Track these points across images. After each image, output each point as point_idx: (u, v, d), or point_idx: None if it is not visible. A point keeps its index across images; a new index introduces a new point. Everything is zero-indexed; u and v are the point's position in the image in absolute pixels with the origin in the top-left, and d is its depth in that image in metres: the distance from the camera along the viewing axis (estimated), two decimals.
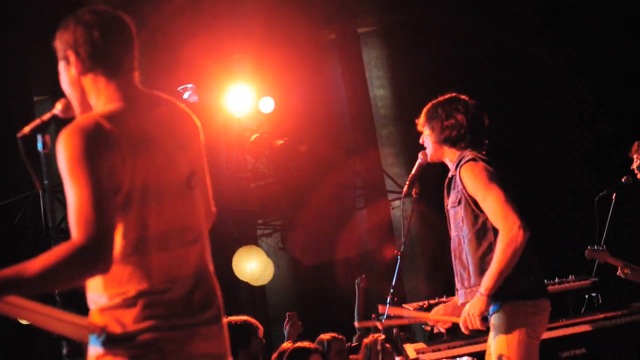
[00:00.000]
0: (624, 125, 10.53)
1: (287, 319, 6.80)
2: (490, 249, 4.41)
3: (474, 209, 4.47)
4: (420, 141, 4.80)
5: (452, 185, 4.62)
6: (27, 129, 3.01)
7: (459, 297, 4.62)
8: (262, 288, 12.65)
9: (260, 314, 11.92)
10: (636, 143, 6.89)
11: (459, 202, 4.54)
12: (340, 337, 7.24)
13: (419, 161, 4.94)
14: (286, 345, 6.34)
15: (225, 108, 10.79)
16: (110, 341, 2.70)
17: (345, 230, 12.55)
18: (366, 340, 6.92)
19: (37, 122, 3.03)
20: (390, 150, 13.40)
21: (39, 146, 2.97)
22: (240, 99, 10.75)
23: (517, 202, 4.37)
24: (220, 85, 11.00)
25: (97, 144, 2.69)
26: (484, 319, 4.35)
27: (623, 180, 7.35)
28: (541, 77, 11.51)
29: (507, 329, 4.36)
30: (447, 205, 4.70)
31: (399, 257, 4.99)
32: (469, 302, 4.39)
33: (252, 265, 10.96)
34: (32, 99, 13.02)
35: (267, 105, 10.84)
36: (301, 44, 12.61)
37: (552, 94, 11.54)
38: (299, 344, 6.42)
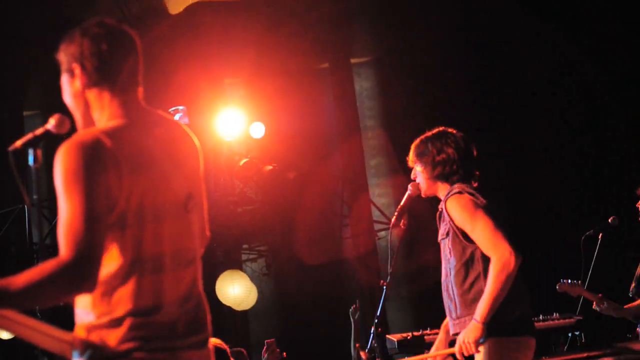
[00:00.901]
0: (613, 161, 10.60)
1: (265, 347, 6.75)
2: (478, 279, 4.43)
3: (461, 239, 4.49)
4: (412, 176, 4.81)
5: (442, 219, 4.64)
6: (18, 143, 2.97)
7: (450, 328, 4.62)
8: (244, 313, 12.58)
9: (241, 339, 11.86)
10: None
11: (447, 234, 4.56)
12: None
13: (408, 192, 4.94)
14: None
15: (216, 132, 10.78)
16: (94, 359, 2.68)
17: (331, 258, 12.53)
18: None
19: (29, 136, 2.99)
20: (378, 181, 13.42)
21: (30, 161, 2.94)
22: (231, 124, 10.75)
23: (506, 229, 4.38)
24: (211, 109, 11.00)
25: (95, 162, 2.65)
26: (479, 346, 4.35)
27: (610, 220, 7.38)
28: (536, 112, 11.57)
29: None
30: (438, 238, 4.72)
31: (384, 287, 4.99)
32: (462, 331, 4.39)
33: (236, 290, 10.91)
34: (22, 114, 13.01)
35: (258, 130, 10.84)
36: (293, 71, 12.65)
37: (544, 126, 11.60)
38: None
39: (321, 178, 12.44)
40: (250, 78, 12.33)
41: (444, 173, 4.65)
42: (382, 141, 13.51)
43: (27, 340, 2.71)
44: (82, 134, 2.79)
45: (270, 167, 10.91)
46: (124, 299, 2.71)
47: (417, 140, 4.77)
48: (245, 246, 12.68)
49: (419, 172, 4.75)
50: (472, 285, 4.46)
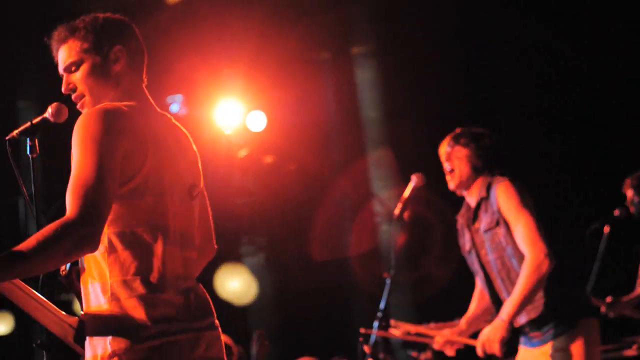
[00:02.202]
0: (615, 154, 10.54)
1: (254, 338, 6.73)
2: None
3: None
4: (448, 169, 4.74)
5: (484, 208, 4.57)
6: (15, 132, 3.02)
7: (520, 319, 4.54)
8: (243, 307, 12.55)
9: (240, 334, 11.80)
10: (628, 180, 6.91)
11: (497, 223, 4.50)
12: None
13: (412, 184, 4.90)
14: None
15: (214, 123, 10.71)
16: (117, 342, 2.66)
17: (331, 251, 12.48)
18: None
19: (27, 124, 3.03)
20: (380, 173, 13.35)
21: (27, 150, 2.96)
22: (230, 115, 10.68)
23: (546, 230, 4.34)
24: (209, 100, 10.93)
25: (117, 126, 2.71)
26: (503, 345, 4.29)
27: (615, 213, 7.32)
28: (535, 105, 11.52)
29: (586, 347, 4.28)
30: (475, 233, 4.63)
31: (387, 280, 4.95)
32: (487, 326, 4.33)
33: (235, 284, 10.86)
34: (17, 105, 12.94)
35: (257, 121, 10.76)
36: (293, 61, 12.56)
37: (544, 122, 11.55)
38: None
39: (321, 169, 12.39)
40: (250, 68, 12.24)
41: (482, 165, 4.61)
42: (384, 133, 13.44)
43: (31, 316, 2.71)
44: (102, 105, 2.86)
45: (269, 159, 10.85)
46: (139, 268, 2.71)
47: (450, 136, 4.73)
48: (244, 239, 12.63)
49: (455, 165, 4.69)
50: None
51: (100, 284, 2.70)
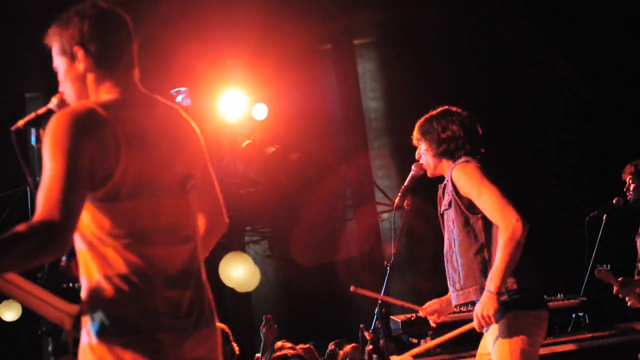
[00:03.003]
0: (616, 142, 10.56)
1: (264, 322, 6.80)
2: (482, 250, 4.40)
3: (463, 210, 4.47)
4: (417, 156, 4.78)
5: (446, 190, 4.63)
6: (21, 123, 2.99)
7: (452, 299, 4.61)
8: (247, 295, 12.61)
9: (245, 321, 11.90)
10: (628, 166, 6.89)
11: (449, 205, 4.54)
12: (308, 346, 7.24)
13: (412, 173, 4.92)
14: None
15: (218, 113, 10.76)
16: (103, 331, 2.68)
17: (333, 239, 12.53)
18: (342, 352, 6.91)
19: (32, 115, 3.00)
20: (381, 162, 13.39)
21: (32, 140, 2.93)
22: (233, 105, 10.72)
23: (513, 197, 4.34)
24: (213, 91, 10.97)
25: (85, 129, 2.66)
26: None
27: (614, 201, 7.35)
28: (536, 91, 11.54)
29: (510, 339, 4.34)
30: (439, 210, 4.70)
31: (388, 268, 4.97)
32: (477, 304, 4.36)
33: (239, 272, 10.92)
34: (24, 96, 12.99)
35: (260, 112, 10.81)
36: (296, 52, 12.59)
37: (547, 109, 11.57)
38: (279, 352, 6.44)
39: (324, 159, 12.43)
40: (253, 59, 12.27)
41: (449, 149, 4.63)
42: (385, 122, 13.48)
43: (28, 307, 2.72)
44: (76, 104, 2.80)
45: (273, 149, 10.89)
46: (121, 267, 2.71)
47: (422, 119, 4.76)
48: (248, 228, 12.68)
49: (423, 150, 4.74)
50: (475, 255, 4.43)
51: (87, 279, 2.74)
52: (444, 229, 4.70)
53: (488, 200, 4.34)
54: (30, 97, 13.08)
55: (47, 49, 3.00)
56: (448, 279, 4.64)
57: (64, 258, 2.82)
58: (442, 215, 4.67)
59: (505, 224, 4.26)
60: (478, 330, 4.45)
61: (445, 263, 4.65)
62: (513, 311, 4.35)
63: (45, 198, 2.57)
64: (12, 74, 12.03)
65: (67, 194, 2.57)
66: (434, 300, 4.91)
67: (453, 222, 4.53)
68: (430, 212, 5.13)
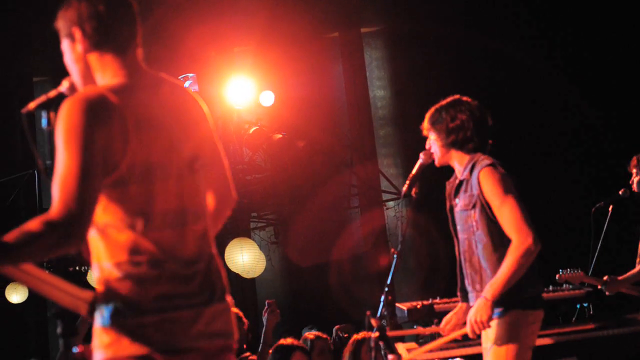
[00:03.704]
0: (623, 135, 10.55)
1: (266, 307, 6.82)
2: (506, 254, 4.42)
3: (489, 213, 4.47)
4: (427, 146, 4.78)
5: (464, 188, 4.60)
6: (32, 105, 2.97)
7: (470, 300, 4.62)
8: (252, 281, 12.64)
9: (250, 307, 11.92)
10: (635, 158, 6.88)
11: (474, 206, 4.53)
12: (325, 336, 7.24)
13: (420, 161, 4.90)
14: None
15: (225, 100, 10.77)
16: (116, 315, 2.69)
17: (339, 227, 12.54)
18: (355, 337, 6.91)
19: (42, 98, 2.99)
20: (387, 151, 13.40)
21: (43, 123, 2.93)
22: (241, 92, 10.73)
23: (530, 214, 4.39)
24: (220, 77, 10.98)
25: (98, 117, 2.65)
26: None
27: (620, 192, 7.34)
28: (539, 82, 11.53)
29: (509, 336, 4.38)
30: (454, 207, 4.68)
31: (395, 255, 4.97)
32: (472, 308, 4.39)
33: (245, 258, 10.93)
34: (32, 80, 13.01)
35: (267, 98, 10.82)
36: (303, 39, 12.59)
37: (551, 99, 11.56)
38: (282, 341, 6.45)
39: (330, 147, 12.44)
40: (260, 46, 12.28)
41: (457, 140, 4.62)
42: (391, 111, 13.48)
43: (44, 295, 2.73)
44: (87, 90, 2.79)
45: (279, 136, 10.90)
46: (132, 252, 2.72)
47: (432, 109, 4.74)
48: (254, 214, 12.69)
49: (433, 140, 4.73)
50: (499, 259, 4.44)
51: (98, 264, 2.76)
52: (454, 225, 4.69)
53: (508, 214, 4.38)
54: (38, 81, 13.11)
55: (57, 33, 3.00)
56: (466, 278, 4.65)
57: None
58: (459, 212, 4.65)
59: (521, 240, 4.31)
60: (471, 336, 4.48)
61: (463, 262, 4.65)
62: (513, 310, 4.39)
63: (61, 191, 2.58)
64: (20, 59, 12.05)
65: (83, 187, 2.58)
66: (450, 317, 4.90)
67: (477, 224, 4.54)
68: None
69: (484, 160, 4.52)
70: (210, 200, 3.04)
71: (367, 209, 12.76)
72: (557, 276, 6.82)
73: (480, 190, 4.48)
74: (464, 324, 4.89)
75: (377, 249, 12.24)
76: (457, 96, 4.77)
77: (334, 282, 11.98)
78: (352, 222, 12.99)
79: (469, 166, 4.56)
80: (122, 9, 2.92)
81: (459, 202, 4.62)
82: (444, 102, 4.74)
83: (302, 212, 12.25)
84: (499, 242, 4.47)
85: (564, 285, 6.94)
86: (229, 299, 2.94)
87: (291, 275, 13.16)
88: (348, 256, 12.39)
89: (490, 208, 4.46)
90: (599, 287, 6.73)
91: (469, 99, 4.76)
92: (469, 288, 4.63)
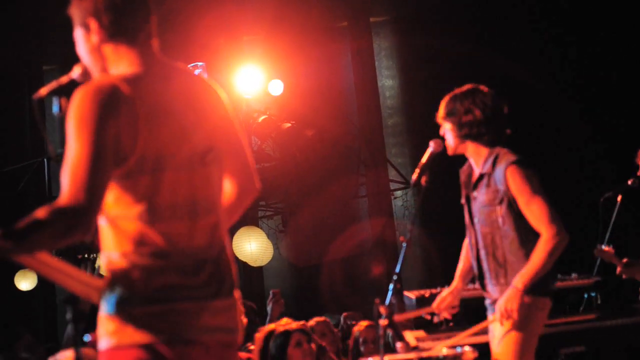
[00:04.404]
0: (633, 126, 10.53)
1: (270, 296, 6.84)
2: (533, 248, 4.45)
3: (517, 209, 4.50)
4: (441, 133, 4.77)
5: (486, 182, 4.61)
6: (43, 91, 2.95)
7: (492, 293, 4.64)
8: (259, 269, 12.66)
9: (257, 295, 11.94)
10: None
11: (500, 202, 4.55)
12: (324, 318, 7.27)
13: (430, 150, 4.89)
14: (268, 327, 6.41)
15: (234, 88, 10.77)
16: (121, 303, 2.70)
17: (346, 216, 12.55)
18: (356, 328, 6.93)
19: (53, 84, 2.98)
20: (395, 140, 13.41)
21: (54, 109, 2.92)
22: (250, 80, 10.72)
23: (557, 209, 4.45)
24: (229, 66, 10.97)
25: (110, 107, 2.65)
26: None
27: (629, 182, 7.34)
28: (550, 72, 11.51)
29: (520, 322, 4.42)
30: (472, 199, 4.69)
31: (404, 244, 4.97)
32: (502, 297, 4.44)
33: (252, 246, 10.95)
34: (42, 68, 13.04)
35: (276, 87, 10.82)
36: (312, 29, 12.59)
37: (563, 86, 11.55)
38: (282, 324, 6.48)
39: (338, 136, 12.44)
40: (270, 35, 12.28)
41: (471, 134, 4.63)
42: (400, 101, 13.47)
43: (55, 282, 2.74)
44: (100, 79, 2.78)
45: (288, 125, 10.90)
46: (145, 244, 2.72)
47: (447, 97, 4.73)
48: (262, 203, 12.71)
49: (447, 129, 4.72)
50: (526, 254, 4.49)
51: (106, 254, 2.76)
52: (471, 216, 4.71)
53: (538, 210, 4.43)
54: (47, 69, 13.13)
55: (67, 21, 2.99)
56: (486, 271, 4.67)
57: None
58: (481, 207, 4.66)
59: (554, 233, 4.38)
60: (501, 324, 4.52)
61: (485, 255, 4.67)
62: (527, 295, 4.42)
63: (71, 180, 2.57)
64: (30, 47, 12.07)
65: (93, 176, 2.58)
66: (445, 296, 4.93)
67: (503, 219, 4.56)
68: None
69: (508, 155, 4.53)
70: (232, 188, 3.04)
71: (375, 198, 12.77)
72: (594, 250, 6.80)
73: (506, 187, 4.50)
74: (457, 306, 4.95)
75: (384, 238, 12.25)
76: (473, 85, 4.75)
77: (340, 270, 12.00)
78: (360, 211, 13.00)
79: (490, 160, 4.56)
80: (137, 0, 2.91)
81: (480, 197, 4.63)
82: (459, 92, 4.72)
83: (310, 201, 12.26)
84: (525, 237, 4.53)
85: (572, 275, 6.94)
86: (237, 294, 2.92)
87: (298, 264, 13.18)
88: (355, 245, 12.40)
89: (516, 204, 4.49)
90: (619, 269, 6.72)
91: (485, 88, 4.74)
92: (492, 282, 4.65)
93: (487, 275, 4.68)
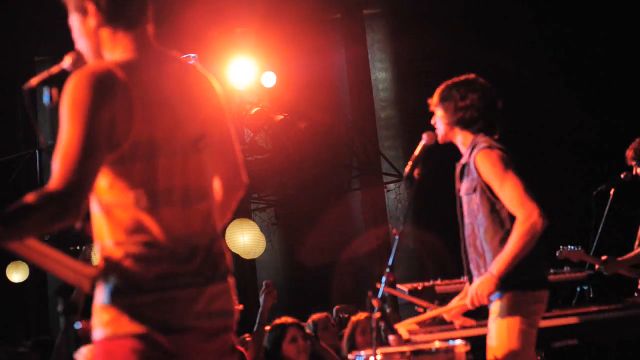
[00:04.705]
0: (624, 119, 10.54)
1: (263, 287, 6.84)
2: (507, 236, 4.39)
3: (489, 196, 4.44)
4: (432, 122, 4.75)
5: (466, 172, 4.58)
6: (34, 81, 2.93)
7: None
8: (252, 262, 12.65)
9: (249, 288, 11.95)
10: (628, 152, 6.88)
11: (474, 190, 4.50)
12: (325, 314, 7.27)
13: (423, 142, 4.86)
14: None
15: (227, 80, 10.74)
16: (116, 293, 2.68)
17: (339, 209, 12.55)
18: (354, 318, 6.93)
19: (44, 74, 2.95)
20: (388, 133, 13.40)
21: (45, 99, 2.90)
22: (242, 72, 10.70)
23: (534, 191, 4.35)
24: (222, 58, 10.94)
25: (105, 92, 2.63)
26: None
27: (622, 176, 7.34)
28: (541, 65, 11.52)
29: (509, 318, 4.36)
30: (459, 191, 4.66)
31: (397, 237, 4.95)
32: (476, 280, 4.39)
33: (245, 239, 10.95)
34: (33, 59, 13.00)
35: (269, 79, 10.80)
36: (305, 21, 12.57)
37: (555, 81, 11.55)
38: (277, 320, 6.49)
39: (331, 129, 12.43)
40: (262, 27, 12.25)
41: (464, 119, 4.59)
42: (393, 94, 13.46)
43: (47, 270, 2.72)
44: (95, 64, 2.76)
45: (281, 117, 10.88)
46: (140, 231, 2.71)
47: (443, 85, 4.70)
48: (254, 195, 12.70)
49: (439, 117, 4.69)
50: (501, 242, 4.42)
51: (100, 243, 2.75)
52: (461, 209, 4.67)
53: (510, 191, 4.33)
54: (39, 60, 13.10)
55: (59, 12, 2.96)
56: (470, 262, 4.63)
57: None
58: (464, 196, 4.63)
59: (526, 215, 4.27)
60: (470, 308, 4.47)
61: (467, 246, 4.63)
62: (514, 291, 4.37)
63: (61, 165, 2.55)
64: (21, 38, 12.03)
65: (83, 162, 2.56)
66: (455, 302, 4.89)
67: (478, 207, 4.51)
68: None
69: (481, 143, 4.49)
70: (218, 184, 3.02)
71: (368, 191, 12.77)
72: (557, 252, 6.84)
73: (477, 174, 4.45)
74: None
75: (377, 231, 12.24)
76: (471, 75, 4.73)
77: (333, 263, 11.99)
78: (353, 204, 13.00)
79: (470, 149, 4.54)
80: None
81: (463, 186, 4.61)
82: (456, 80, 4.70)
83: (302, 193, 12.25)
84: (499, 225, 4.45)
85: (565, 268, 6.94)
86: (231, 279, 2.92)
87: (291, 256, 13.18)
88: (348, 238, 12.40)
89: (491, 190, 4.43)
90: (597, 267, 6.75)
91: (482, 80, 4.72)
92: (474, 272, 4.61)
93: (472, 266, 4.65)
